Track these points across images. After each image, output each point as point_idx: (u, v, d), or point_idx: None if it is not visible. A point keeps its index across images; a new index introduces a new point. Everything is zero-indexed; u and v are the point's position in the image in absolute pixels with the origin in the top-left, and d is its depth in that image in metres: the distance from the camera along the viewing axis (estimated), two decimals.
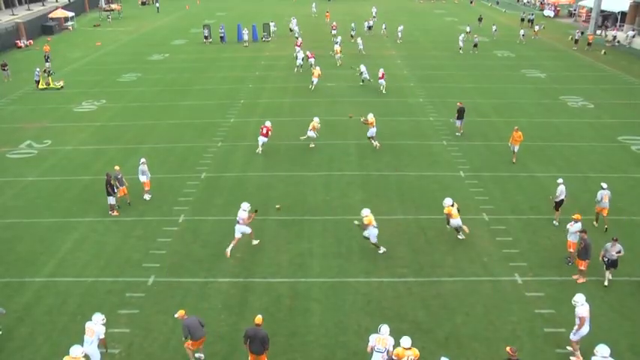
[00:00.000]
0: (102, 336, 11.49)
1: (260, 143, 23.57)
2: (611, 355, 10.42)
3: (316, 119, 24.39)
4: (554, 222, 17.88)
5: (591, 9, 55.12)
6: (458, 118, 25.59)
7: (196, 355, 12.05)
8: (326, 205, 19.21)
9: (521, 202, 19.38)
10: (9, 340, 12.95)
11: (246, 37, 48.88)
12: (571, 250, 15.45)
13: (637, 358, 12.26)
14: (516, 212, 18.65)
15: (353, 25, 51.09)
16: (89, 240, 17.23)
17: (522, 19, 58.91)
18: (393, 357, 10.77)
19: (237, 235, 16.28)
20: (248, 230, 16.41)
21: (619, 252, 14.23)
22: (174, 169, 22.21)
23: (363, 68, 34.67)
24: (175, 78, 37.22)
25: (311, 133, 24.11)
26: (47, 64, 38.60)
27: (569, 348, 12.41)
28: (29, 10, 66.67)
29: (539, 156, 23.18)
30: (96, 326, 11.48)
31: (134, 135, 26.35)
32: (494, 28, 51.86)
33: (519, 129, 22.52)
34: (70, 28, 58.36)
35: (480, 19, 58.52)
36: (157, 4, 73.30)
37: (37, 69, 35.72)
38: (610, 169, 22.20)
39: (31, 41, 49.95)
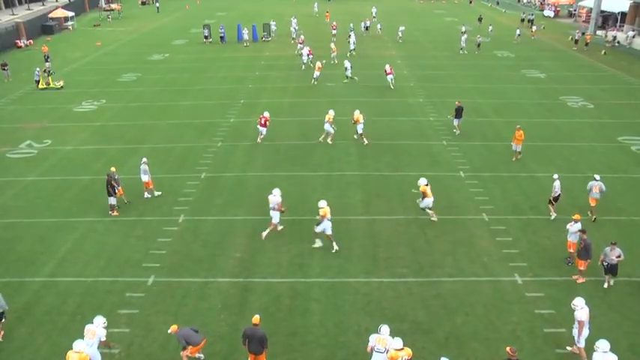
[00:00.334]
0: (103, 338, 11.49)
1: (260, 133, 24.45)
2: (611, 350, 10.56)
3: (331, 112, 24.65)
4: (551, 215, 18.09)
5: (591, 9, 55.14)
6: (456, 116, 25.65)
7: (196, 355, 12.05)
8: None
9: (521, 202, 19.38)
10: (9, 340, 12.95)
11: (246, 37, 48.88)
12: (571, 250, 15.47)
13: (637, 358, 12.26)
14: (516, 212, 18.65)
15: (351, 25, 51.17)
16: (89, 240, 17.23)
17: (522, 20, 58.94)
18: (387, 359, 10.77)
19: (275, 220, 17.03)
20: (277, 218, 17.12)
21: (619, 256, 14.08)
22: (174, 169, 22.21)
23: (347, 64, 35.10)
24: (175, 78, 37.22)
25: (327, 126, 24.42)
26: (47, 63, 38.59)
27: (568, 348, 12.41)
28: (29, 9, 66.66)
29: (539, 156, 23.18)
30: (97, 329, 11.48)
31: (134, 135, 26.35)
32: (490, 28, 51.90)
33: (521, 128, 22.65)
34: (70, 27, 58.35)
35: (480, 19, 58.52)
36: (157, 4, 73.29)
37: (37, 69, 35.72)
38: (610, 169, 22.20)
39: (31, 41, 49.95)
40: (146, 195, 19.77)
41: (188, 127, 27.31)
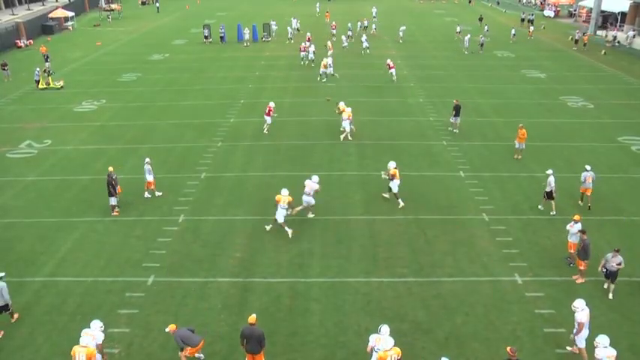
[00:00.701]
0: (100, 342, 11.40)
1: (265, 122, 25.78)
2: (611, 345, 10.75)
3: (348, 109, 25.09)
4: (540, 207, 18.75)
5: (591, 9, 55.14)
6: (455, 115, 25.77)
7: (196, 355, 12.04)
8: (326, 205, 19.20)
9: (521, 202, 19.39)
10: (9, 339, 12.96)
11: (247, 37, 48.89)
12: (572, 251, 15.46)
13: (637, 358, 12.27)
14: (516, 212, 18.66)
15: (350, 25, 51.24)
16: (89, 240, 17.23)
17: (522, 20, 58.93)
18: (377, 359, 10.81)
19: (304, 203, 17.88)
20: (313, 201, 17.89)
21: (619, 264, 13.90)
22: (174, 169, 22.20)
23: (329, 61, 35.54)
24: (175, 78, 37.22)
25: (346, 123, 24.80)
26: (47, 63, 38.61)
27: (568, 348, 12.41)
28: (29, 9, 66.67)
29: (539, 156, 23.18)
30: (95, 332, 11.38)
31: (134, 135, 26.35)
32: (486, 27, 51.96)
33: (524, 127, 22.81)
34: (70, 27, 58.36)
35: (480, 19, 58.51)
36: (157, 4, 73.30)
37: (37, 69, 35.73)
38: (610, 169, 22.21)
39: (31, 41, 49.96)
40: (146, 195, 19.77)
41: (188, 127, 27.31)
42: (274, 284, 14.93)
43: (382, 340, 10.96)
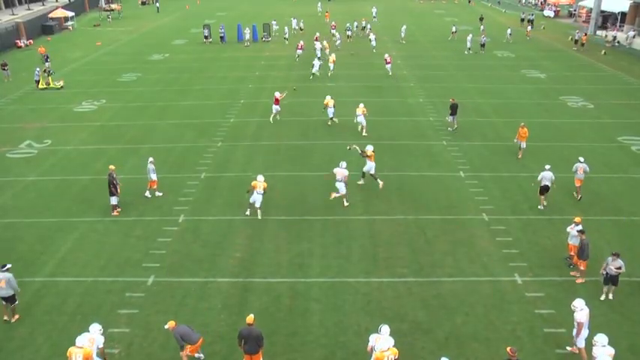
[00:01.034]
0: (101, 345, 11.43)
1: (272, 111, 27.14)
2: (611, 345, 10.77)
3: (361, 105, 25.89)
4: (539, 207, 18.74)
5: (591, 9, 55.13)
6: (451, 114, 25.91)
7: (196, 355, 12.05)
8: (326, 205, 19.20)
9: (521, 202, 19.39)
10: (9, 340, 12.96)
11: (247, 37, 48.89)
12: (572, 253, 15.43)
13: (636, 358, 12.27)
14: (516, 212, 18.66)
15: (348, 25, 51.32)
16: (89, 240, 17.23)
17: (522, 20, 58.89)
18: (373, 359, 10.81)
19: (342, 191, 18.70)
20: (344, 189, 18.73)
21: (619, 268, 13.72)
22: (174, 169, 22.20)
23: (316, 63, 36.35)
24: (175, 78, 37.23)
25: (361, 119, 25.43)
26: (47, 63, 38.59)
27: (568, 348, 12.42)
28: (29, 9, 66.68)
29: (539, 156, 23.16)
30: (95, 336, 11.34)
31: (134, 135, 26.35)
32: (481, 27, 51.98)
33: (525, 125, 22.97)
34: (70, 27, 58.36)
35: (481, 19, 58.49)
36: (157, 4, 73.30)
37: (37, 69, 35.74)
38: (610, 169, 22.21)
39: (31, 41, 49.96)
40: (147, 194, 19.77)
41: (188, 127, 27.31)
42: (274, 284, 14.93)
43: (381, 339, 10.97)
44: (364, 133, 25.54)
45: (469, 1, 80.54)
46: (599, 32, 52.90)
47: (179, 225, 18.00)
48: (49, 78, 35.14)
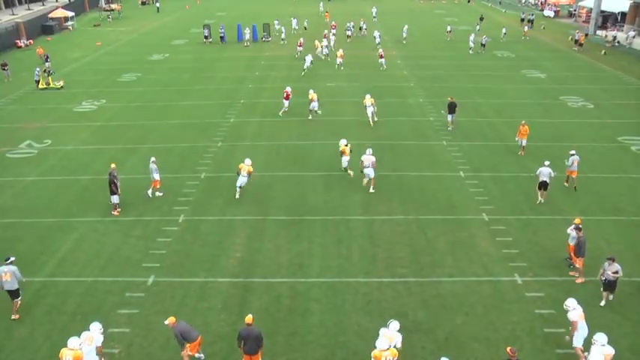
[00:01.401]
0: (99, 344, 11.46)
1: (283, 106, 28.20)
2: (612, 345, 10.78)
3: (368, 95, 27.41)
4: (538, 201, 19.10)
5: (591, 9, 55.13)
6: (449, 112, 26.09)
7: (196, 355, 12.04)
8: (326, 205, 19.21)
9: (521, 202, 19.38)
10: (9, 339, 12.96)
11: (247, 37, 48.90)
12: (572, 254, 15.43)
13: (637, 358, 12.27)
14: (516, 212, 18.65)
15: (348, 25, 51.35)
16: (89, 240, 17.23)
17: (522, 19, 58.90)
18: (372, 359, 10.82)
19: (372, 175, 19.82)
20: (372, 174, 19.81)
21: (616, 272, 13.58)
22: (174, 169, 22.20)
23: (308, 58, 37.82)
24: (175, 78, 37.22)
25: (370, 109, 26.71)
26: (47, 63, 38.58)
27: (567, 338, 12.42)
28: (29, 9, 66.67)
29: (539, 156, 23.10)
30: (94, 334, 11.44)
31: (134, 135, 26.35)
32: (477, 27, 51.99)
33: (526, 123, 23.16)
34: (70, 27, 58.35)
35: (481, 19, 58.49)
36: (157, 4, 73.31)
37: (37, 69, 35.74)
38: (610, 169, 22.21)
39: (31, 41, 49.95)
40: (149, 193, 19.77)
41: (188, 127, 27.31)
42: (274, 284, 14.93)
43: (380, 339, 10.96)
44: (375, 121, 26.87)
45: (468, 1, 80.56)
46: (599, 32, 52.90)
47: (179, 225, 18.00)
48: (49, 78, 35.14)
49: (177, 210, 18.95)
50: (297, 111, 29.35)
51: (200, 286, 14.87)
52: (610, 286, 13.69)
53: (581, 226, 15.03)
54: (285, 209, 18.92)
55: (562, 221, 17.37)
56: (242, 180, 19.33)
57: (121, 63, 42.14)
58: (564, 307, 12.12)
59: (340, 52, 39.32)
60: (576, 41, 46.78)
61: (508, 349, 10.78)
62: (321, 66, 39.48)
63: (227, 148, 24.46)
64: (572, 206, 18.93)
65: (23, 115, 29.79)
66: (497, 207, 19.01)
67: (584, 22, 60.16)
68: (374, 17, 61.41)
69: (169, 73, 38.82)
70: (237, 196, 19.51)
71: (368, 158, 19.97)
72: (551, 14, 66.80)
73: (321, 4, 70.32)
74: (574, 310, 11.97)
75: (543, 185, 18.87)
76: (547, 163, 19.06)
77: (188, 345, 11.64)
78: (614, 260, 13.59)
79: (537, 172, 19.00)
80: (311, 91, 28.20)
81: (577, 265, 14.85)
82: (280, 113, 28.22)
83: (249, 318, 11.49)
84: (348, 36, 49.62)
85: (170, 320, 11.65)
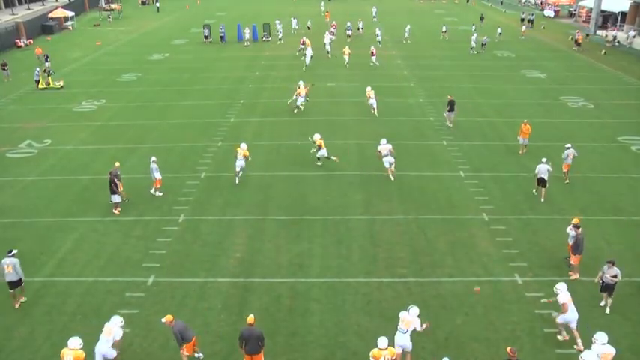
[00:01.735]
0: (118, 337, 11.63)
1: (298, 102, 28.68)
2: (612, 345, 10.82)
3: (368, 87, 28.85)
4: (541, 199, 19.40)
5: (591, 9, 55.12)
6: (449, 110, 26.22)
7: (196, 355, 12.04)
8: (326, 205, 19.21)
9: (521, 202, 19.39)
10: (9, 339, 12.97)
11: (247, 37, 48.90)
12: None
13: (637, 358, 12.27)
14: (516, 212, 18.65)
15: (348, 24, 51.37)
16: (89, 240, 17.23)
17: (522, 19, 58.89)
18: (371, 358, 10.89)
19: (387, 165, 20.80)
20: (393, 159, 20.84)
21: (615, 276, 13.50)
22: (174, 169, 22.20)
23: (308, 53, 38.95)
24: (175, 78, 37.22)
25: (373, 101, 28.02)
26: (47, 63, 38.57)
27: (554, 314, 12.69)
28: (29, 9, 66.65)
29: (539, 156, 22.98)
30: (114, 327, 11.65)
31: (134, 135, 26.35)
32: (473, 27, 52.01)
33: (528, 122, 23.34)
34: (70, 27, 58.34)
35: (481, 19, 58.49)
36: (157, 4, 73.29)
37: (37, 68, 35.73)
38: (610, 169, 22.20)
39: (31, 41, 49.93)
40: (152, 192, 19.81)
41: (188, 126, 27.31)
42: (274, 284, 14.93)
43: (415, 321, 11.51)
44: (376, 114, 28.02)
45: (467, 1, 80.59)
46: (599, 32, 52.88)
47: (179, 225, 18.00)
48: (49, 78, 35.13)
49: (178, 210, 18.95)
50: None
51: (200, 286, 14.87)
52: (608, 288, 13.60)
53: (579, 225, 15.07)
54: (285, 209, 18.92)
55: (562, 221, 17.35)
56: (239, 164, 20.39)
57: (121, 63, 42.14)
58: (554, 289, 12.47)
59: (347, 49, 39.82)
60: (576, 41, 46.77)
61: (508, 349, 10.79)
62: (322, 66, 39.47)
63: (227, 148, 24.44)
64: (572, 206, 18.93)
65: (23, 115, 29.79)
66: (497, 207, 19.01)
67: (584, 22, 60.14)
68: (374, 17, 61.39)
69: (169, 72, 38.81)
70: (236, 181, 20.47)
71: (384, 147, 20.92)
72: (552, 14, 66.78)
73: (323, 3, 70.41)
74: (563, 292, 12.34)
75: (542, 182, 19.05)
76: (544, 160, 19.27)
77: (185, 345, 11.64)
78: (613, 264, 13.54)
79: (536, 169, 19.20)
80: (301, 84, 29.05)
81: (571, 262, 14.95)
82: (295, 111, 28.99)
83: (250, 318, 11.50)
84: (348, 35, 49.65)
85: (167, 318, 11.64)
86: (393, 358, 10.85)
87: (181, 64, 41.56)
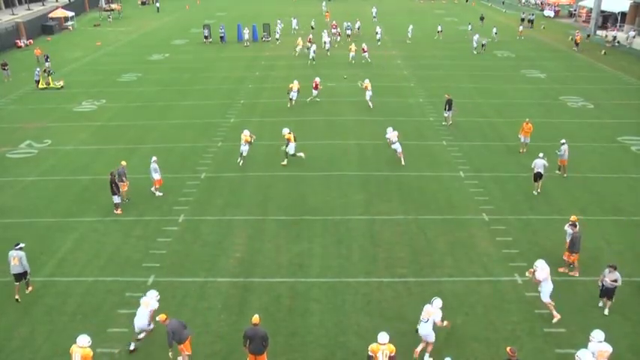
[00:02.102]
0: (153, 309, 12.34)
1: (312, 95, 30.35)
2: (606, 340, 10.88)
3: (366, 80, 29.82)
4: (534, 192, 19.85)
5: (591, 9, 55.12)
6: (448, 109, 26.45)
7: (179, 358, 11.99)
8: (326, 205, 19.21)
9: (521, 202, 19.39)
10: (9, 339, 12.97)
11: (246, 37, 48.91)
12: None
13: (637, 358, 12.27)
14: (516, 212, 18.65)
15: (347, 24, 51.41)
16: (89, 240, 17.23)
17: (522, 19, 58.91)
18: (369, 352, 11.00)
19: (399, 150, 22.08)
20: (400, 147, 22.06)
21: (615, 280, 13.42)
22: (175, 169, 22.20)
23: (312, 48, 40.79)
24: (175, 78, 37.22)
25: (368, 94, 29.15)
26: (47, 63, 38.58)
27: (527, 274, 13.16)
28: (29, 9, 66.67)
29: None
30: (151, 301, 12.37)
31: (134, 135, 26.35)
32: (469, 27, 51.98)
33: (530, 121, 23.59)
34: (70, 27, 58.35)
35: (482, 19, 58.49)
36: (157, 4, 73.30)
37: (37, 69, 35.75)
38: (610, 169, 22.20)
39: (31, 41, 49.95)
40: (153, 190, 19.79)
41: (188, 127, 27.31)
42: (274, 284, 14.93)
43: (436, 313, 11.84)
44: (371, 106, 29.25)
45: (466, 0, 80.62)
46: (599, 32, 52.88)
47: (179, 225, 18.01)
48: (49, 78, 35.14)
49: (178, 210, 18.95)
50: (297, 111, 29.37)
51: (200, 286, 14.87)
52: (607, 293, 13.53)
53: (577, 223, 15.10)
54: (285, 209, 18.92)
55: (562, 221, 17.29)
56: (243, 148, 22.06)
57: (121, 63, 42.14)
58: (534, 266, 13.13)
59: (352, 46, 40.80)
60: (575, 41, 46.76)
61: (508, 349, 10.80)
62: (323, 66, 39.46)
63: (227, 148, 24.45)
64: (572, 206, 18.92)
65: (23, 115, 29.79)
66: (497, 207, 19.01)
67: (584, 22, 60.15)
68: (374, 17, 61.38)
69: (169, 73, 38.82)
70: (240, 163, 22.25)
71: (393, 134, 22.20)
72: (552, 14, 66.79)
73: (324, 3, 70.45)
74: (542, 269, 12.86)
75: (538, 176, 19.58)
76: (541, 154, 19.78)
77: (180, 346, 11.64)
78: (615, 268, 13.48)
79: (532, 164, 19.65)
80: (295, 81, 29.87)
81: (564, 258, 15.14)
82: (308, 100, 30.30)
83: (255, 318, 11.53)
84: (347, 35, 49.75)
85: (161, 317, 11.73)
86: (392, 354, 10.89)
87: (181, 64, 41.56)
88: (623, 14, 52.12)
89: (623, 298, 14.13)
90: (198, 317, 13.57)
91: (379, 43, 46.60)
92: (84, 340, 10.98)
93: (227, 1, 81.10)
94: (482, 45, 45.00)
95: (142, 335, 12.55)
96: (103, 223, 18.22)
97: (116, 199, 18.56)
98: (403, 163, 22.05)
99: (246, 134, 22.14)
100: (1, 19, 57.54)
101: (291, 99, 29.67)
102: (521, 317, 13.54)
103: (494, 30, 50.09)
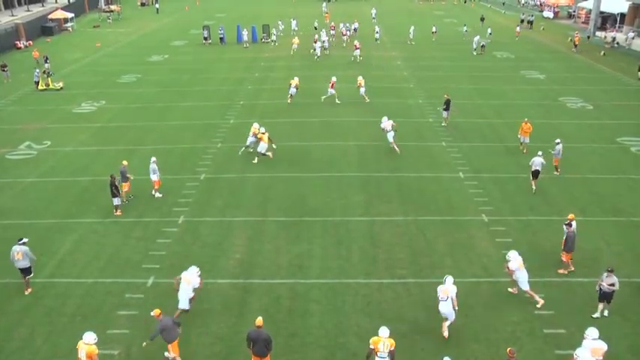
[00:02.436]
0: (196, 285, 13.09)
1: (329, 93, 30.59)
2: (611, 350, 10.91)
3: (360, 77, 30.99)
4: (533, 191, 20.04)
5: (591, 10, 55.18)
6: (445, 109, 26.68)
7: (166, 354, 12.02)
8: (325, 206, 19.22)
9: (521, 203, 19.39)
10: (8, 340, 12.96)
11: (246, 38, 48.93)
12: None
13: (636, 358, 12.27)
14: (516, 213, 18.66)
15: (345, 24, 51.51)
16: (89, 241, 17.23)
17: (522, 20, 58.99)
18: (370, 345, 11.16)
19: (390, 139, 23.28)
20: (393, 134, 23.27)
21: (612, 285, 13.31)
22: (174, 170, 22.20)
23: (317, 46, 42.49)
24: (175, 79, 37.23)
25: (362, 90, 30.22)
26: (46, 65, 38.58)
27: (510, 290, 13.23)
28: (29, 11, 66.70)
29: None
30: (192, 277, 13.05)
31: (134, 136, 26.34)
32: (464, 28, 52.03)
33: (529, 121, 23.72)
34: (70, 29, 58.34)
35: (482, 19, 58.53)
36: (157, 5, 73.35)
37: (37, 70, 35.72)
38: (609, 170, 22.22)
39: (30, 42, 49.93)
40: (156, 194, 19.81)
41: (188, 128, 27.31)
42: (274, 285, 14.93)
43: (451, 289, 12.51)
44: (367, 100, 30.47)
45: (465, 1, 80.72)
46: (598, 33, 52.94)
47: (179, 226, 18.00)
48: (49, 79, 35.13)
49: (177, 211, 18.95)
50: (297, 112, 29.39)
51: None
52: (605, 297, 13.45)
53: (573, 222, 15.10)
54: (285, 210, 18.92)
55: (561, 222, 17.23)
56: (250, 140, 23.02)
57: (120, 64, 42.14)
58: (506, 257, 13.75)
59: (356, 43, 42.17)
60: (574, 42, 46.81)
61: (508, 349, 10.82)
62: (323, 66, 39.48)
63: (227, 149, 24.45)
64: (571, 207, 18.89)
65: (23, 117, 29.79)
66: (497, 208, 19.02)
67: (583, 23, 60.21)
68: (373, 18, 61.41)
69: (169, 74, 38.82)
70: (239, 152, 23.39)
71: (387, 123, 23.30)
72: (551, 15, 66.85)
73: (324, 4, 70.57)
74: (514, 260, 13.51)
75: (535, 174, 19.85)
76: (540, 153, 20.02)
77: (168, 345, 11.69)
78: (612, 272, 13.42)
79: (530, 162, 19.93)
80: (295, 77, 30.76)
81: (562, 258, 15.12)
82: (322, 99, 30.83)
83: (259, 320, 11.55)
84: (343, 34, 49.88)
85: (155, 312, 11.83)
86: (392, 348, 10.99)
87: (181, 65, 41.57)
88: (623, 15, 52.21)
89: (623, 299, 14.13)
90: (197, 318, 13.57)
91: (378, 42, 47.05)
92: (90, 337, 11.05)
93: (226, 2, 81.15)
94: (482, 46, 45.05)
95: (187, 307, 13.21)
96: (102, 224, 18.21)
97: (116, 202, 18.56)
98: (398, 151, 22.91)
99: (255, 127, 22.90)
100: (0, 21, 57.54)
101: (291, 95, 30.33)
102: (520, 318, 13.55)
103: (489, 31, 50.34)
